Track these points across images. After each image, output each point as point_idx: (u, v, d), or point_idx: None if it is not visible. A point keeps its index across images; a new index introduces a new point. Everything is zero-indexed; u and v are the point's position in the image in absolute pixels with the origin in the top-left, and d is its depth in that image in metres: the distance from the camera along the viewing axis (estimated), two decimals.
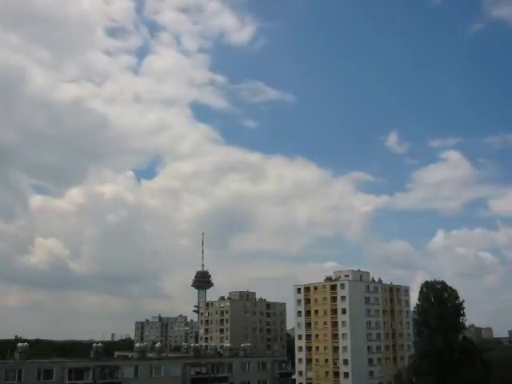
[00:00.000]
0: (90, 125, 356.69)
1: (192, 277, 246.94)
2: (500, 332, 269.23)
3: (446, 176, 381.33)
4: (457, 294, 68.35)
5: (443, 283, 69.45)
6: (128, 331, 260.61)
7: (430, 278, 71.69)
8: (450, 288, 69.03)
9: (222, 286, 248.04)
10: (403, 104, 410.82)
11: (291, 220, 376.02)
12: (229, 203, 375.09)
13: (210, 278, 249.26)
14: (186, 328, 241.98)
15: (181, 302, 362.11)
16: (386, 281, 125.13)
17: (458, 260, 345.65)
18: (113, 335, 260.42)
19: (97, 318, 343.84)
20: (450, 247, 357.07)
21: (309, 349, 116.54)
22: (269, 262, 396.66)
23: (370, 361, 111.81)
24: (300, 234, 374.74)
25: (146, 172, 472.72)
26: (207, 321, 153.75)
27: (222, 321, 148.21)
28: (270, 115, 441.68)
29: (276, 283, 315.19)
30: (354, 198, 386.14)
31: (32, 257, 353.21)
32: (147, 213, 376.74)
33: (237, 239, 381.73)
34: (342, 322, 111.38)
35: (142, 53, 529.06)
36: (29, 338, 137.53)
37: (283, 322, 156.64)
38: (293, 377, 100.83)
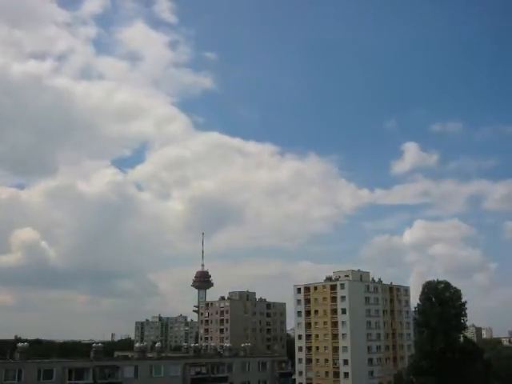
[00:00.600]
0: (58, 110, 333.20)
1: (184, 273, 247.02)
2: (500, 332, 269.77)
3: (443, 169, 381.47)
4: (460, 294, 68.06)
5: (446, 283, 69.21)
6: (128, 331, 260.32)
7: (422, 276, 71.72)
8: (454, 288, 68.72)
9: (219, 284, 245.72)
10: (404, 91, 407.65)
11: (285, 214, 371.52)
12: (219, 196, 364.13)
13: (210, 278, 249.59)
14: (186, 328, 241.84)
15: (173, 301, 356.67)
16: (381, 277, 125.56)
17: (451, 257, 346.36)
18: (113, 335, 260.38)
19: (87, 318, 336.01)
20: (445, 244, 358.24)
21: (309, 349, 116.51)
22: (263, 258, 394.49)
23: (370, 361, 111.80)
24: (294, 230, 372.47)
25: (127, 161, 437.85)
26: (207, 321, 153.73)
27: (222, 321, 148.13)
28: (263, 100, 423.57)
29: (269, 280, 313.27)
30: (351, 193, 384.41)
31: (11, 254, 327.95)
32: (130, 205, 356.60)
33: (225, 234, 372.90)
34: (342, 322, 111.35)
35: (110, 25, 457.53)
36: (29, 338, 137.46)
37: (283, 322, 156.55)
38: (293, 377, 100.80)
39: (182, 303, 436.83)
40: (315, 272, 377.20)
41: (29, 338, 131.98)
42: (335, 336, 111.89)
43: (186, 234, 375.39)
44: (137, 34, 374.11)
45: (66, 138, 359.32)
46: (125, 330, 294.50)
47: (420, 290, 70.96)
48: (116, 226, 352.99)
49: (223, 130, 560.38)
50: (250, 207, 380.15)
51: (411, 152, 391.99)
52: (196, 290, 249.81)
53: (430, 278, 71.07)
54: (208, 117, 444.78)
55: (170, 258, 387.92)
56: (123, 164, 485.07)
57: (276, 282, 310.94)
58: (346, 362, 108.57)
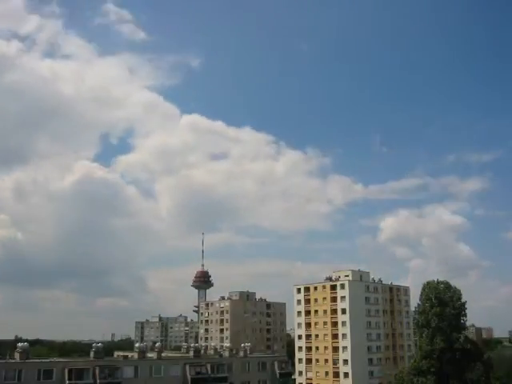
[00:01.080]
0: (30, 95, 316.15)
1: (183, 273, 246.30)
2: (500, 332, 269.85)
3: (440, 165, 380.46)
4: (460, 294, 67.90)
5: (446, 283, 69.09)
6: (125, 331, 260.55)
7: (418, 274, 71.43)
8: (454, 288, 68.61)
9: (219, 284, 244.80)
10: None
11: (282, 210, 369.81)
12: (212, 190, 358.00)
13: (210, 278, 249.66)
14: (186, 328, 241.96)
15: (172, 301, 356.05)
16: (375, 275, 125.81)
17: (448, 255, 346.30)
18: (113, 335, 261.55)
19: (78, 317, 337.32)
20: (441, 241, 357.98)
21: (309, 349, 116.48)
22: (261, 256, 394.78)
23: (370, 361, 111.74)
24: (293, 226, 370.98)
25: (108, 152, 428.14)
26: (207, 321, 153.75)
27: (222, 321, 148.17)
28: (251, 85, 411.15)
29: (269, 279, 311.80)
30: (346, 188, 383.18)
31: None
32: (116, 198, 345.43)
33: (222, 231, 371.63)
34: (342, 322, 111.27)
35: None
36: (29, 338, 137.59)
37: (283, 322, 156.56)
38: (293, 377, 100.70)
39: (181, 303, 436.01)
40: (315, 270, 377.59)
41: (29, 338, 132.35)
42: (335, 336, 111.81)
43: (182, 231, 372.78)
44: (107, 12, 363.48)
45: (43, 126, 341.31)
46: (122, 329, 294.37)
47: (417, 288, 70.86)
48: (99, 222, 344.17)
49: (210, 114, 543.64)
50: (246, 202, 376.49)
51: (410, 147, 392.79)
52: (196, 290, 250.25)
53: (426, 276, 71.24)
54: (192, 102, 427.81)
55: (165, 257, 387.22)
56: (104, 155, 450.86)
57: (275, 281, 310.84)
58: (345, 362, 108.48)
